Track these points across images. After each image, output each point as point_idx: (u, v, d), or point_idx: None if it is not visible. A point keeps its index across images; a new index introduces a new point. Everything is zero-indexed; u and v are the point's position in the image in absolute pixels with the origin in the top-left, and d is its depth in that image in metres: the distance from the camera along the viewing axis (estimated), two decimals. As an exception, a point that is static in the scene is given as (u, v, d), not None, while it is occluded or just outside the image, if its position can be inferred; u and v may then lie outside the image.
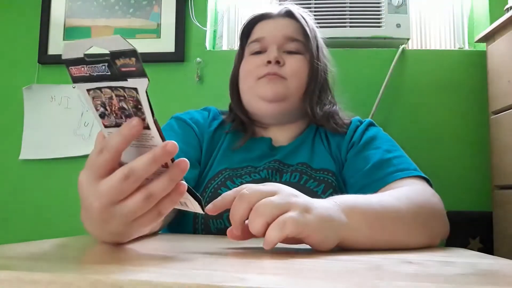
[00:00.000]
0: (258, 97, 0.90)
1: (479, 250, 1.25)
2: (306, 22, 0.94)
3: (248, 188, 0.49)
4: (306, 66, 0.92)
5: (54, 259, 0.40)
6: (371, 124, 0.93)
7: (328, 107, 0.94)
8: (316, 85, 0.92)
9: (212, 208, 0.51)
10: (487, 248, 1.26)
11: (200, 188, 0.84)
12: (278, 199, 0.47)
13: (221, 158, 0.88)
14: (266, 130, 0.96)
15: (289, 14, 0.95)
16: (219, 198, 0.52)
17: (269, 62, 0.89)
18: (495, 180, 1.25)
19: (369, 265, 0.39)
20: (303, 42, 0.92)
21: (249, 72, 0.92)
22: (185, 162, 0.42)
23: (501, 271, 0.39)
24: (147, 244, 0.55)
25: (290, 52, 0.92)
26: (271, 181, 0.84)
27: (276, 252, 0.47)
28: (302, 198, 0.49)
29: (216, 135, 0.93)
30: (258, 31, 0.95)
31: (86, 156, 1.59)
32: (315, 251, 0.48)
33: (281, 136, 0.94)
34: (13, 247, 0.45)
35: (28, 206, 1.58)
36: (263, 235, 0.45)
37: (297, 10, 0.95)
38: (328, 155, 0.89)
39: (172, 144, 0.40)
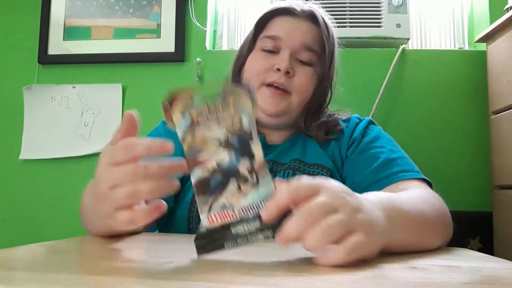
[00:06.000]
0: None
1: (479, 250, 1.25)
2: (327, 31, 0.89)
3: (313, 205, 0.41)
4: (314, 81, 0.89)
5: (39, 269, 0.40)
6: (371, 123, 0.92)
7: (323, 120, 0.92)
8: (317, 101, 0.90)
9: (268, 217, 0.43)
10: (487, 248, 1.27)
11: (189, 192, 0.80)
12: (344, 218, 0.41)
13: None
14: (259, 127, 0.91)
15: (312, 18, 0.89)
16: (272, 205, 0.43)
17: (278, 69, 0.85)
18: (495, 180, 1.26)
19: (372, 273, 0.39)
20: (318, 54, 0.88)
21: (255, 73, 0.88)
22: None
23: (506, 277, 0.39)
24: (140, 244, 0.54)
25: (302, 61, 0.87)
26: None
27: (274, 260, 0.45)
28: (366, 214, 0.44)
29: None
30: (277, 27, 0.89)
31: (86, 156, 1.58)
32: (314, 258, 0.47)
33: (273, 136, 0.93)
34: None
35: (28, 206, 1.58)
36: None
37: (321, 15, 0.90)
38: (322, 151, 0.87)
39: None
